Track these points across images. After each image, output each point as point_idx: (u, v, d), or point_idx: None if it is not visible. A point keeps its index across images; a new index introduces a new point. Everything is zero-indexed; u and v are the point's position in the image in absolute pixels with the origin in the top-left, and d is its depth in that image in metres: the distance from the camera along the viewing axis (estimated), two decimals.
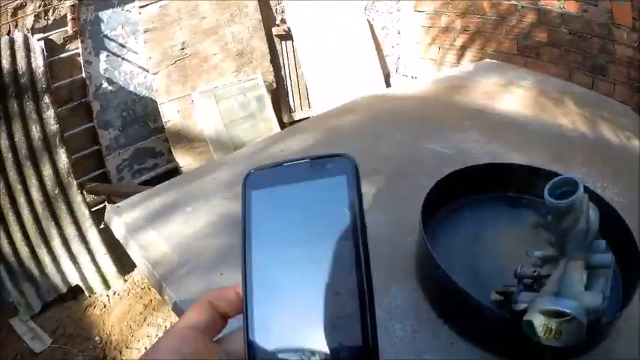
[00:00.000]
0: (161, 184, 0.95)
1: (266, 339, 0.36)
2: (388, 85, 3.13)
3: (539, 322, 0.54)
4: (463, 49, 2.95)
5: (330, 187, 0.37)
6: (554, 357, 0.60)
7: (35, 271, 2.03)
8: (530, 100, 1.28)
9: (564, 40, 2.48)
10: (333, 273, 0.36)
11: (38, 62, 1.93)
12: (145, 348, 1.99)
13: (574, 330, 0.54)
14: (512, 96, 1.29)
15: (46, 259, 2.05)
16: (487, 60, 1.70)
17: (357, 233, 0.35)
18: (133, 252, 0.81)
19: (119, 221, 0.84)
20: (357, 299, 0.35)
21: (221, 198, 0.89)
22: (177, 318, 0.39)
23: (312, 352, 0.35)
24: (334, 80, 2.95)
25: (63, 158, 2.01)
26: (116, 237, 0.86)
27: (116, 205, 0.89)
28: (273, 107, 2.83)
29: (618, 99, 1.84)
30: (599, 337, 0.64)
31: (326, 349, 0.34)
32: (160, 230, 0.82)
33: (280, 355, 0.35)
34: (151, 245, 0.79)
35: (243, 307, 0.36)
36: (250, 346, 0.36)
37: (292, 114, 3.04)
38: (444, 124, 1.14)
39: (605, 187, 0.95)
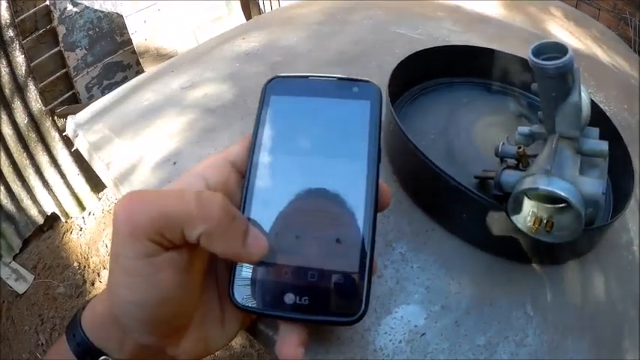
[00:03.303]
0: (120, 87, 0.85)
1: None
2: None
3: (526, 209, 0.44)
4: None
5: (353, 109, 0.35)
6: (540, 253, 0.50)
7: (12, 208, 1.95)
8: (512, 4, 1.15)
9: None
10: (339, 191, 0.33)
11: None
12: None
13: (568, 222, 0.43)
14: None
15: (21, 193, 1.95)
16: None
17: (372, 159, 0.33)
18: (95, 162, 0.73)
19: (79, 131, 0.76)
20: (359, 225, 0.32)
21: (178, 88, 0.80)
22: None
23: (306, 264, 0.32)
24: None
25: (31, 87, 1.88)
26: (76, 147, 0.77)
27: (75, 114, 0.79)
28: (243, 10, 2.62)
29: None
30: (589, 243, 0.54)
31: (318, 265, 0.32)
32: (118, 130, 0.74)
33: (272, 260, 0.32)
34: (108, 147, 0.71)
35: (241, 207, 0.33)
36: None
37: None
38: (415, 13, 1.02)
39: (589, 93, 0.85)
